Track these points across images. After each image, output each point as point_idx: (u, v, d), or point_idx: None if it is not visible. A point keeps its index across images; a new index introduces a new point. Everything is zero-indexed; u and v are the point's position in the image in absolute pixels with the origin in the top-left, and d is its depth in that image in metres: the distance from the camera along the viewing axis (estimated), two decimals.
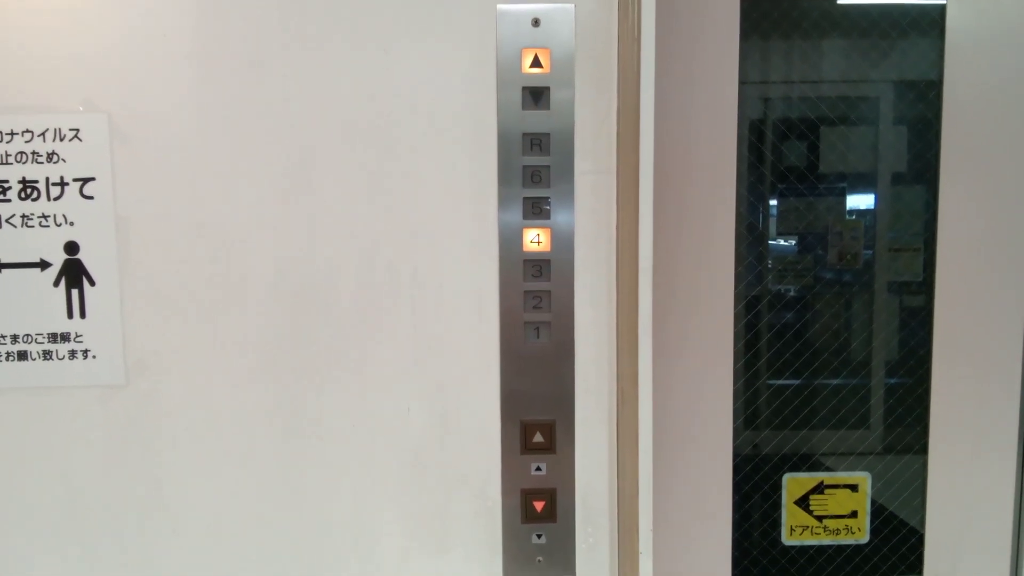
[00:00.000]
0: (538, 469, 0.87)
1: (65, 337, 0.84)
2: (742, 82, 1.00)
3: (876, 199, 1.09)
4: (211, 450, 0.85)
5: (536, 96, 0.82)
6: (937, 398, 1.06)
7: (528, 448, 0.86)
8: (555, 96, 0.82)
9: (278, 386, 0.85)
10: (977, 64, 1.02)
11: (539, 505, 0.87)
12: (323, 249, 0.83)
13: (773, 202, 1.08)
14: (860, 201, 1.09)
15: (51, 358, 0.84)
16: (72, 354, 0.84)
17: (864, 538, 1.11)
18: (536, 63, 0.82)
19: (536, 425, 0.86)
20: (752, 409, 1.10)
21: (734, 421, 1.05)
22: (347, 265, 0.83)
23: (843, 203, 1.09)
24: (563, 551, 0.88)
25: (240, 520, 0.86)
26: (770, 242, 1.08)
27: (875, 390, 1.11)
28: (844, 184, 1.08)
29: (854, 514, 1.11)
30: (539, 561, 0.88)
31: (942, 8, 1.02)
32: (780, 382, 1.10)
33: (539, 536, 0.88)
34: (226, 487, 0.86)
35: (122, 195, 0.82)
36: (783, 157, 1.06)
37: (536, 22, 0.81)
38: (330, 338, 0.84)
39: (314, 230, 0.83)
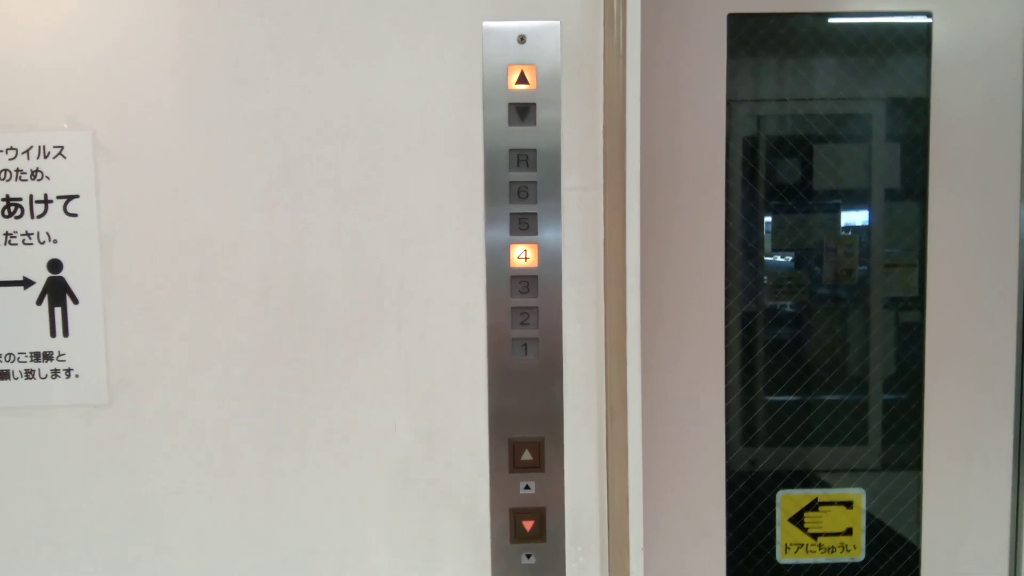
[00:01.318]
0: (527, 487, 0.86)
1: (48, 356, 0.83)
2: (730, 100, 1.00)
3: (868, 215, 1.09)
4: (195, 467, 0.84)
5: (522, 112, 0.82)
6: (931, 413, 1.05)
7: (517, 466, 0.85)
8: (541, 112, 0.82)
9: (263, 402, 0.84)
10: (964, 80, 1.02)
11: (528, 524, 0.86)
12: (308, 264, 0.83)
13: (767, 218, 1.07)
14: (851, 217, 1.09)
15: (33, 377, 0.83)
16: (55, 373, 0.83)
17: (860, 556, 1.10)
18: (522, 79, 0.82)
19: (525, 443, 0.85)
20: (745, 425, 1.09)
21: (727, 437, 1.04)
22: (333, 279, 0.83)
23: (834, 219, 1.09)
24: (553, 571, 0.87)
25: (224, 538, 0.85)
26: (765, 258, 1.08)
27: (870, 405, 1.10)
28: (834, 200, 1.08)
29: (849, 531, 1.10)
30: None
31: (928, 26, 1.03)
32: (773, 398, 1.09)
33: (528, 556, 0.86)
34: (210, 505, 0.84)
35: (106, 212, 0.82)
36: (772, 174, 1.06)
37: (522, 39, 0.81)
38: (315, 354, 0.83)
39: (300, 244, 0.83)
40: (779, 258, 1.09)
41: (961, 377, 1.05)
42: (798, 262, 1.10)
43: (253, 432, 0.84)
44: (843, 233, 1.09)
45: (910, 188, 1.07)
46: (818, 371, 1.09)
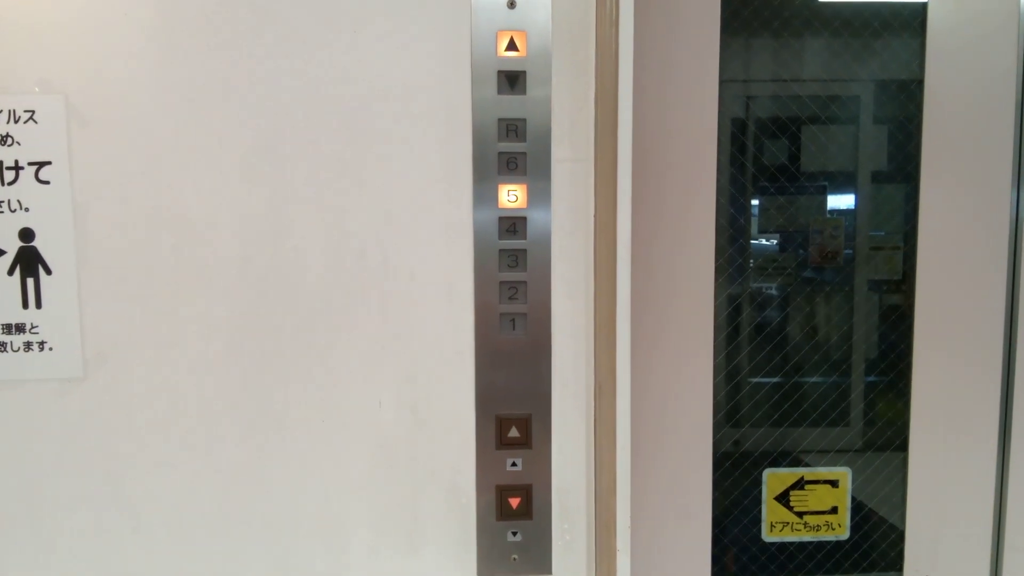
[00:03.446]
0: (513, 465, 0.85)
1: (20, 328, 0.80)
2: (723, 80, 0.98)
3: (857, 197, 1.08)
4: (173, 444, 0.82)
5: (512, 80, 0.80)
6: (918, 394, 1.05)
7: (503, 443, 0.84)
8: (532, 81, 0.80)
9: (242, 377, 0.82)
10: (959, 62, 1.01)
11: (514, 502, 0.85)
12: (290, 235, 0.80)
13: (755, 200, 1.06)
14: (842, 200, 1.08)
15: (5, 350, 0.80)
16: (28, 346, 0.80)
17: (845, 534, 1.10)
18: (512, 46, 0.79)
19: (512, 419, 0.84)
20: (731, 404, 1.08)
21: (714, 416, 1.03)
22: (315, 252, 0.81)
23: (824, 201, 1.08)
24: (539, 549, 0.86)
25: (203, 516, 0.83)
26: (752, 241, 1.07)
27: (855, 386, 1.10)
28: (820, 183, 1.07)
29: (834, 510, 1.10)
30: (514, 559, 0.85)
31: (923, 6, 1.01)
32: (760, 379, 1.08)
33: (514, 534, 0.85)
34: (188, 482, 0.83)
35: (80, 180, 0.79)
36: (762, 153, 1.05)
37: (512, 4, 0.79)
38: (297, 328, 0.81)
39: (281, 215, 0.80)
40: (763, 241, 1.08)
41: (949, 358, 1.04)
42: (786, 243, 1.09)
43: (232, 408, 0.82)
44: (829, 216, 1.08)
45: (901, 170, 1.06)
46: (807, 351, 1.09)
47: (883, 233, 1.08)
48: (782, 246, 1.09)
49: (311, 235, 0.80)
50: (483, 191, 0.81)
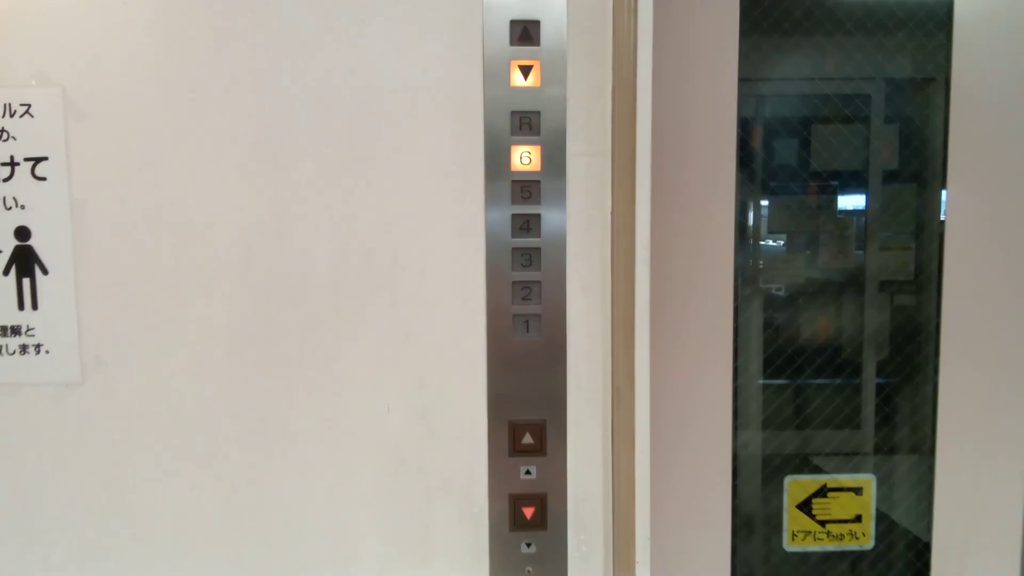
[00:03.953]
0: (527, 473, 0.81)
1: (16, 330, 0.77)
2: (742, 79, 0.95)
3: (864, 199, 1.04)
4: (173, 452, 0.79)
5: (525, 72, 0.76)
6: (945, 398, 1.01)
7: (517, 450, 0.81)
8: (546, 72, 0.77)
9: (245, 382, 0.79)
10: (985, 58, 0.97)
11: (528, 511, 0.81)
12: (294, 234, 0.77)
13: (764, 201, 1.03)
14: (846, 201, 1.05)
15: (1, 353, 0.77)
16: (23, 348, 0.77)
17: (869, 544, 1.06)
18: (525, 36, 0.76)
19: (525, 425, 0.80)
20: (752, 408, 1.04)
21: (734, 420, 1.00)
22: (321, 252, 0.78)
23: (830, 201, 1.04)
24: (554, 561, 0.82)
25: (205, 526, 0.80)
26: (765, 242, 1.04)
27: (881, 389, 1.06)
28: (832, 183, 1.04)
29: (858, 518, 1.06)
30: (528, 572, 0.82)
31: (950, 1, 0.98)
32: (780, 381, 1.05)
33: (528, 545, 0.82)
34: (189, 491, 0.80)
35: (78, 176, 0.76)
36: (782, 152, 1.02)
37: None
38: (302, 330, 0.78)
39: (285, 214, 0.77)
40: (770, 242, 1.05)
41: (976, 364, 1.01)
42: (797, 244, 1.06)
43: (235, 415, 0.79)
44: (839, 216, 1.05)
45: (924, 169, 1.02)
46: (829, 354, 1.05)
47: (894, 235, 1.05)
48: (791, 246, 1.05)
49: (316, 235, 0.77)
50: (495, 187, 0.77)
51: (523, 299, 0.79)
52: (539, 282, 0.78)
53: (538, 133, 0.77)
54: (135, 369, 0.78)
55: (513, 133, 0.77)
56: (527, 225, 0.78)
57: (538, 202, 0.78)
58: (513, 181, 0.77)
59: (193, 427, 0.79)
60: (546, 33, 0.76)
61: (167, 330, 0.78)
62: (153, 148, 0.76)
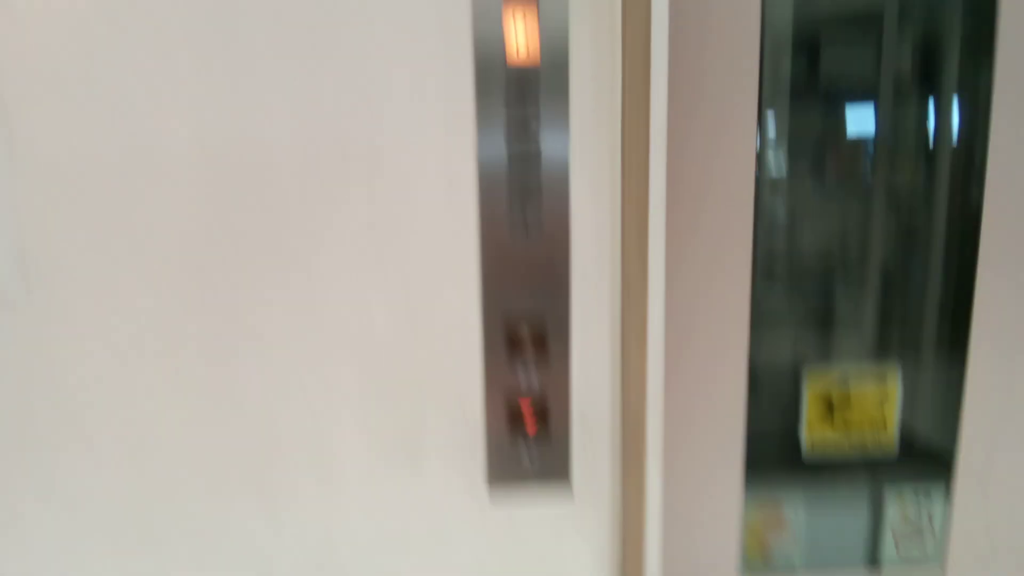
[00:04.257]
0: (526, 377, 0.72)
1: None
2: None
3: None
4: (129, 368, 0.70)
5: None
6: (981, 296, 0.92)
7: (514, 351, 0.71)
8: None
9: (208, 291, 0.69)
10: None
11: (528, 419, 0.73)
12: (257, 119, 0.66)
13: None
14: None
15: None
16: None
17: (892, 440, 1.00)
18: None
19: (523, 322, 0.71)
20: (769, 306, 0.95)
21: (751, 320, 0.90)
22: (288, 138, 0.66)
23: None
24: (557, 473, 0.75)
25: (168, 445, 0.72)
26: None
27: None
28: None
29: (881, 418, 0.99)
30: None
31: None
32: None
33: (528, 455, 0.74)
34: (148, 410, 0.71)
35: (3, 63, 0.64)
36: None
37: None
38: (269, 229, 0.68)
39: (245, 95, 0.65)
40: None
41: (1016, 260, 0.91)
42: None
43: (198, 327, 0.69)
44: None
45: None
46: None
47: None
48: None
49: (283, 118, 0.66)
50: (487, 44, 0.65)
51: (521, 185, 0.68)
52: (539, 154, 0.67)
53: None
54: (83, 283, 0.68)
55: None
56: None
57: (536, 63, 0.65)
58: (507, 36, 0.64)
59: (150, 341, 0.70)
60: None
61: (116, 235, 0.68)
62: (84, 28, 0.64)
